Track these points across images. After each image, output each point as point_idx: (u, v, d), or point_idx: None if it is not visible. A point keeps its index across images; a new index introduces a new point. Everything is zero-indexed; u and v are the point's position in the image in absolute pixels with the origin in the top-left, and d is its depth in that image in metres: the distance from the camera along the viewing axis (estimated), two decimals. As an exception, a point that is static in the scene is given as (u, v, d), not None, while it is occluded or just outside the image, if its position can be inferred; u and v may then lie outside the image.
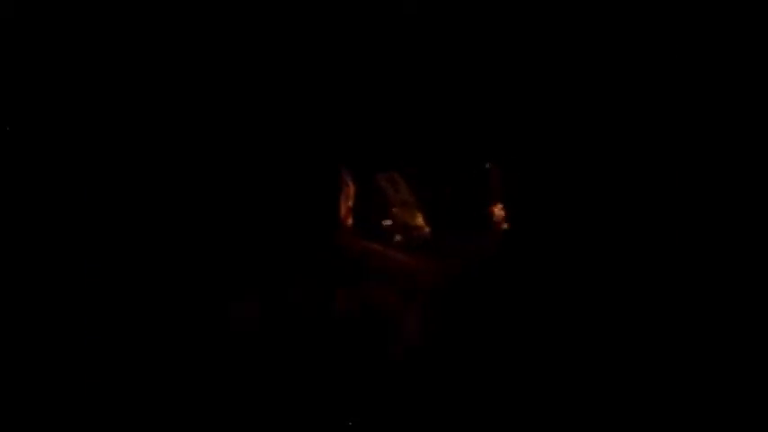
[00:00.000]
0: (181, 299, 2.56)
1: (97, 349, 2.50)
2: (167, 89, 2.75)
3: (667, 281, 2.77)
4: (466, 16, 2.96)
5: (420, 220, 2.82)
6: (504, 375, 2.57)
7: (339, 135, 2.78)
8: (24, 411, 2.41)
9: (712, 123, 2.88)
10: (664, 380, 2.65)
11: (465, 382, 2.54)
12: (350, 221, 2.72)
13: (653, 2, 2.91)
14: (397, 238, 2.78)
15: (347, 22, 2.88)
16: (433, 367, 2.55)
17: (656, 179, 2.87)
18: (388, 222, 2.78)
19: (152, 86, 2.76)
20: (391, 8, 2.89)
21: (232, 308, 2.53)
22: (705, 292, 2.75)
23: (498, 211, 2.85)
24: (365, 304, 2.60)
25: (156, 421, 2.41)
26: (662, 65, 2.92)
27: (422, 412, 2.48)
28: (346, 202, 2.72)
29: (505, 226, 2.85)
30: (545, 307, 2.71)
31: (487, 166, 2.87)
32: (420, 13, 2.90)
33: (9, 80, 2.74)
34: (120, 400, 2.43)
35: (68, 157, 2.72)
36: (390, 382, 2.51)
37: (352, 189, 2.73)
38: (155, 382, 2.46)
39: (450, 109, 2.95)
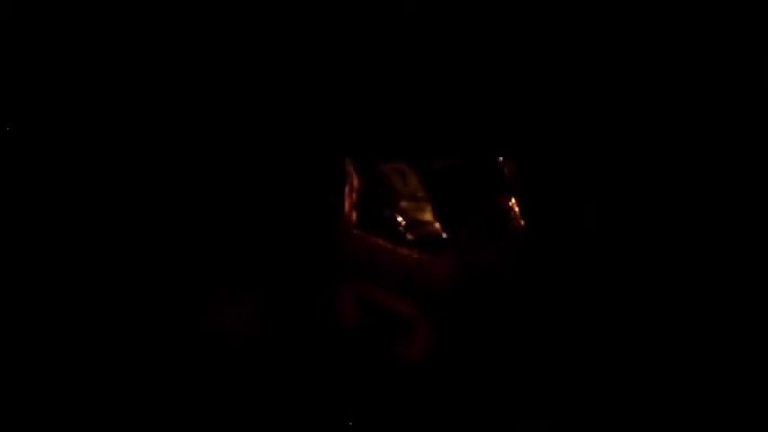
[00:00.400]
0: (179, 298, 2.51)
1: (93, 349, 2.44)
2: (165, 83, 2.72)
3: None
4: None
5: (430, 216, 2.70)
6: (511, 377, 2.48)
7: (342, 122, 2.70)
8: (20, 412, 2.35)
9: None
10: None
11: (469, 384, 2.46)
12: (354, 216, 2.62)
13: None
14: (406, 234, 2.66)
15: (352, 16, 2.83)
16: (437, 369, 2.47)
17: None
18: (396, 218, 2.66)
19: (150, 80, 2.73)
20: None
21: (230, 307, 2.49)
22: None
23: (513, 206, 2.73)
24: (367, 304, 2.54)
25: (155, 422, 2.33)
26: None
27: (422, 413, 2.39)
28: (350, 196, 2.62)
29: (522, 222, 2.74)
30: (562, 307, 2.64)
31: (501, 159, 2.77)
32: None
33: (9, 80, 2.73)
34: (116, 400, 2.37)
35: (68, 156, 2.71)
36: (391, 383, 2.42)
37: (356, 182, 2.63)
38: (151, 383, 2.39)
39: (462, 97, 2.86)
